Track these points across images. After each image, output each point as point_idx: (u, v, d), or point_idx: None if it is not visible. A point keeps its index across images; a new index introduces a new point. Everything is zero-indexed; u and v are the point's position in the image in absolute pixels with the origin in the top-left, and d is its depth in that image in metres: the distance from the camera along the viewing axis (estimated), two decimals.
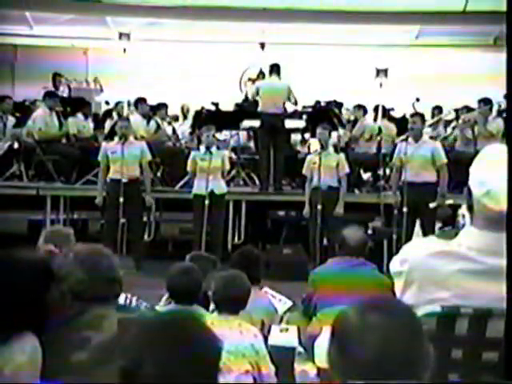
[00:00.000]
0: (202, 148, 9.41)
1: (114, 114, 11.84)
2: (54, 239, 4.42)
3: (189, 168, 9.46)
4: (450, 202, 8.70)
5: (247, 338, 3.73)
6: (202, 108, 11.64)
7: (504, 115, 10.22)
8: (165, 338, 1.74)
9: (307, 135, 11.61)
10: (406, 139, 8.93)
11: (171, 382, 1.69)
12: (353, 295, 3.99)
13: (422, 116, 9.37)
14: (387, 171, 10.76)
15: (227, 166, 9.60)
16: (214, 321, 3.65)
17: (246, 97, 12.31)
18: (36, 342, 2.37)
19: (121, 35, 13.37)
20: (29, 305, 2.41)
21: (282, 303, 5.10)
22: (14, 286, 2.44)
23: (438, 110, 12.19)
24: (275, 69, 10.61)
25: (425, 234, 8.40)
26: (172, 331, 1.76)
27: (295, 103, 10.71)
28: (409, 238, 8.09)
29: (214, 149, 9.30)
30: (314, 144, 10.29)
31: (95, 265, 2.81)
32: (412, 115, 9.45)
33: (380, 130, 11.24)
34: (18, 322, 2.39)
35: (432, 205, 8.55)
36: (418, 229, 8.73)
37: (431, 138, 10.15)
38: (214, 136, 9.53)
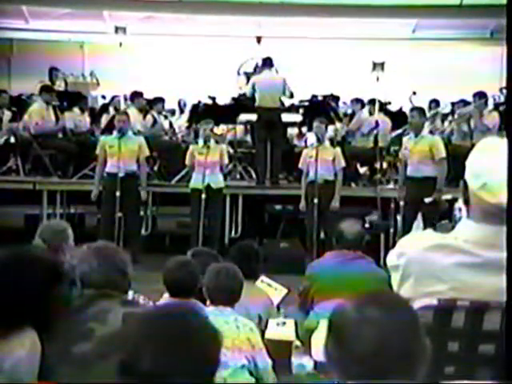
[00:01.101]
0: (200, 141, 9.41)
1: (111, 109, 11.81)
2: (51, 233, 4.42)
3: (187, 161, 9.47)
4: (447, 197, 8.66)
5: (243, 333, 3.73)
6: (199, 102, 11.62)
7: (500, 108, 10.22)
8: (163, 331, 1.74)
9: (304, 129, 11.59)
10: (402, 133, 8.90)
11: (169, 375, 1.69)
12: (350, 289, 4.01)
13: (421, 110, 9.31)
14: (384, 165, 10.75)
15: (226, 161, 9.60)
16: (210, 315, 3.65)
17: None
18: (35, 337, 2.38)
19: (117, 29, 13.29)
20: (30, 301, 2.42)
21: (277, 292, 5.13)
22: (15, 283, 2.44)
23: (434, 103, 12.16)
24: (268, 62, 10.58)
25: (425, 228, 8.38)
26: (171, 324, 1.76)
27: (291, 96, 10.66)
28: (406, 231, 8.08)
29: (211, 142, 9.30)
30: (311, 138, 10.27)
31: (109, 255, 2.91)
32: (411, 109, 9.42)
33: (377, 123, 11.21)
34: (18, 317, 2.40)
35: (427, 199, 8.52)
36: (418, 223, 8.71)
37: (430, 132, 10.11)
38: (211, 130, 9.53)
